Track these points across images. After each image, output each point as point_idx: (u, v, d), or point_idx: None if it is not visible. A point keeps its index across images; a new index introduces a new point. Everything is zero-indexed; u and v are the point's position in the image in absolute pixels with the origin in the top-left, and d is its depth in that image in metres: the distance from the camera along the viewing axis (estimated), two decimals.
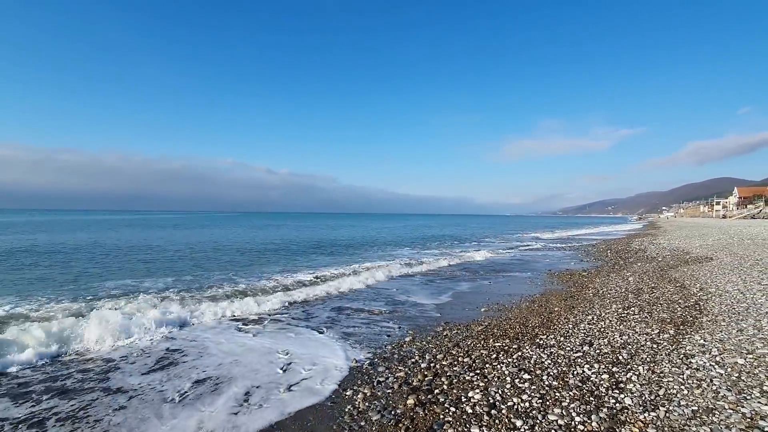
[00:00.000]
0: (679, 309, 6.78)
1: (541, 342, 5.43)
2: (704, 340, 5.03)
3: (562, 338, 5.55)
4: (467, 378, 4.29)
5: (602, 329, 5.87)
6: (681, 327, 5.73)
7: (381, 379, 4.43)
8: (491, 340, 5.65)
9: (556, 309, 7.42)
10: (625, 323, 6.12)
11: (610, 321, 6.29)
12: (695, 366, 4.21)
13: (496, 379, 4.20)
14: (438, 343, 5.71)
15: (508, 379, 4.19)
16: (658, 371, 4.14)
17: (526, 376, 4.24)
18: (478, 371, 4.47)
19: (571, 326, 6.16)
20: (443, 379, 4.32)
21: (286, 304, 8.51)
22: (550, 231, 46.99)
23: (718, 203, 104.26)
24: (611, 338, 5.40)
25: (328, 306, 8.39)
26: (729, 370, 4.05)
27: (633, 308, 7.03)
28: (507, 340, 5.62)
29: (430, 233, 40.03)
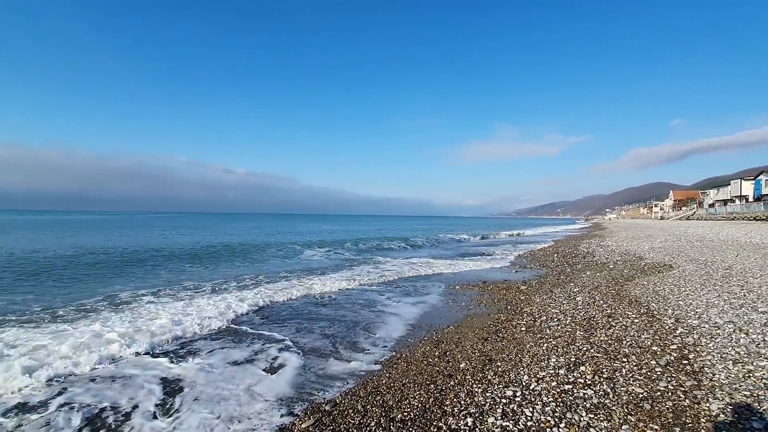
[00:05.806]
0: (658, 369, 3.95)
1: None
2: None
3: None
4: None
5: None
6: (676, 429, 2.85)
7: None
8: None
9: (461, 365, 4.42)
10: (570, 413, 3.17)
11: (544, 405, 3.32)
12: None
13: None
14: None
15: None
16: None
17: None
18: None
19: (471, 420, 3.13)
20: None
21: None
22: (502, 231, 45.60)
23: (656, 205, 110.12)
24: None
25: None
26: None
27: (583, 366, 4.15)
28: None
29: (371, 235, 36.89)
